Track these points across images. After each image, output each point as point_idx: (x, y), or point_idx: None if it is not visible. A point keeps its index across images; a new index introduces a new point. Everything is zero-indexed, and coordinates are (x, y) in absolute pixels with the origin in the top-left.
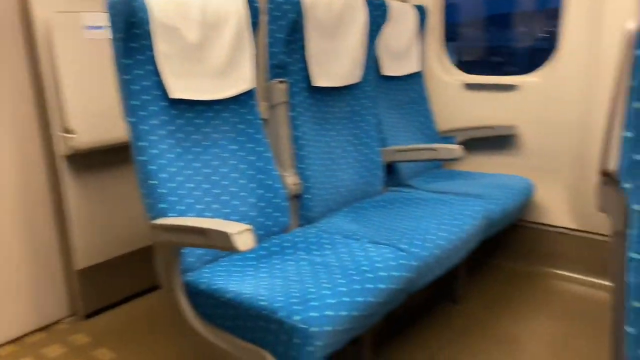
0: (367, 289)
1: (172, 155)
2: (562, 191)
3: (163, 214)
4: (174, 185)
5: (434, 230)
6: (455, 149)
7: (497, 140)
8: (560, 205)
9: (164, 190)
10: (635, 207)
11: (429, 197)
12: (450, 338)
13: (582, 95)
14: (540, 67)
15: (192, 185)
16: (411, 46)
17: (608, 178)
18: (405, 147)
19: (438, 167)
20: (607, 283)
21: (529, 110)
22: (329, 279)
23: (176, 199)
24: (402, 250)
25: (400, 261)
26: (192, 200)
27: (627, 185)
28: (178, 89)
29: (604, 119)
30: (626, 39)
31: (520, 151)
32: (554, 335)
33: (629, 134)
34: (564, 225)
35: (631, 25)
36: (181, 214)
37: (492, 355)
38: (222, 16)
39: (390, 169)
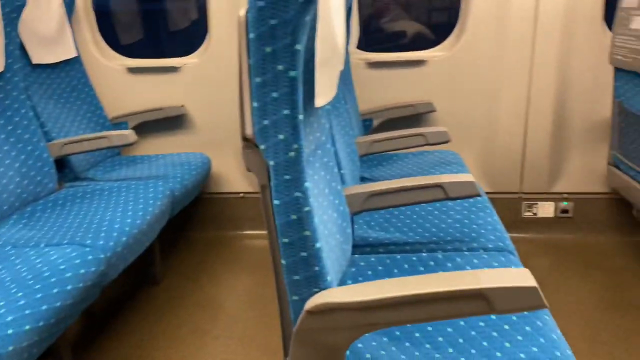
0: (51, 294)
1: None
2: (233, 160)
3: None
4: None
5: (119, 219)
6: (127, 134)
7: (171, 121)
8: (235, 174)
9: None
10: (271, 162)
11: (109, 187)
12: (156, 317)
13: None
14: (196, 50)
15: None
16: (62, 31)
17: (248, 142)
18: (74, 138)
19: (116, 155)
20: None
21: (192, 90)
22: (4, 295)
23: None
24: (86, 246)
25: (87, 257)
26: None
27: (262, 146)
28: None
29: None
30: (239, 24)
31: (193, 129)
32: (248, 289)
33: (255, 104)
34: (241, 191)
35: (242, 12)
36: None
37: (197, 320)
38: None
39: (63, 164)
